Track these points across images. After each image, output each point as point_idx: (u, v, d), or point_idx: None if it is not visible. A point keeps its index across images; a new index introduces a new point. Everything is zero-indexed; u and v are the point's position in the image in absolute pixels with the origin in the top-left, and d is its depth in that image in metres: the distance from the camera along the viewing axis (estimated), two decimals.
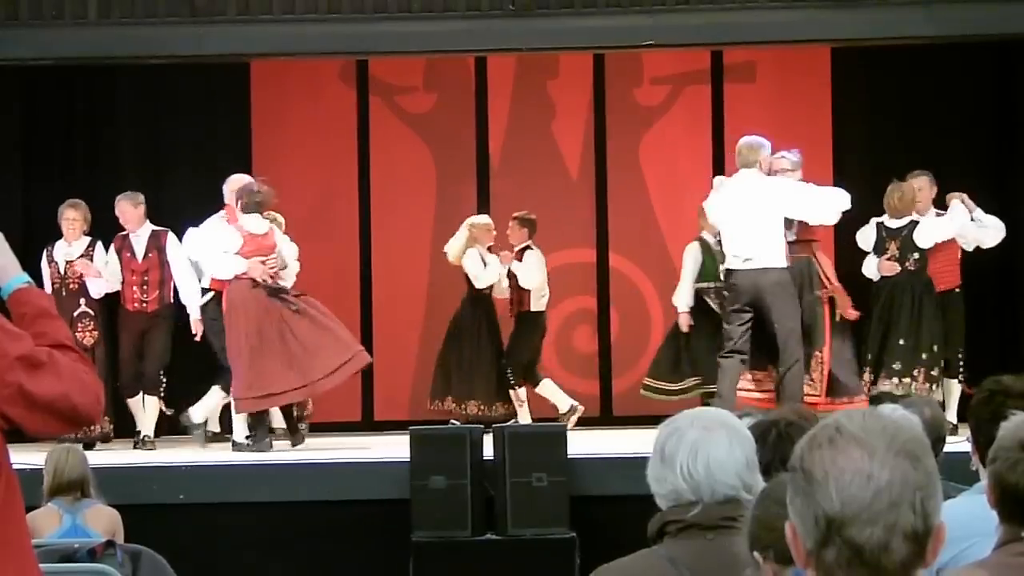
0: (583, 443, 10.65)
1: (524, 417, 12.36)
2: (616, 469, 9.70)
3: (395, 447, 10.51)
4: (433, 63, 13.89)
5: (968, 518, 4.03)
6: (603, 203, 14.00)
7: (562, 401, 12.63)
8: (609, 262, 13.99)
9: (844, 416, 2.21)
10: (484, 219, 12.86)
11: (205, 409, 11.65)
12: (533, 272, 12.65)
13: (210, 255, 11.19)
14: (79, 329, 11.50)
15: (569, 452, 9.78)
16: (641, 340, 13.78)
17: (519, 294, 12.72)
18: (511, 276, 12.70)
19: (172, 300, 11.91)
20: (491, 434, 10.09)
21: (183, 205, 12.72)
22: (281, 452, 10.99)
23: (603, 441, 11.28)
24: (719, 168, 13.51)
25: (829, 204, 10.95)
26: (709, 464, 3.54)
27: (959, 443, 5.27)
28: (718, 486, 3.55)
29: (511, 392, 12.49)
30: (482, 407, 12.35)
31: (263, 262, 11.07)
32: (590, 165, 14.06)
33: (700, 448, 3.55)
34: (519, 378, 12.51)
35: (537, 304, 12.70)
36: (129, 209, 11.90)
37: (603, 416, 13.60)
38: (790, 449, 2.27)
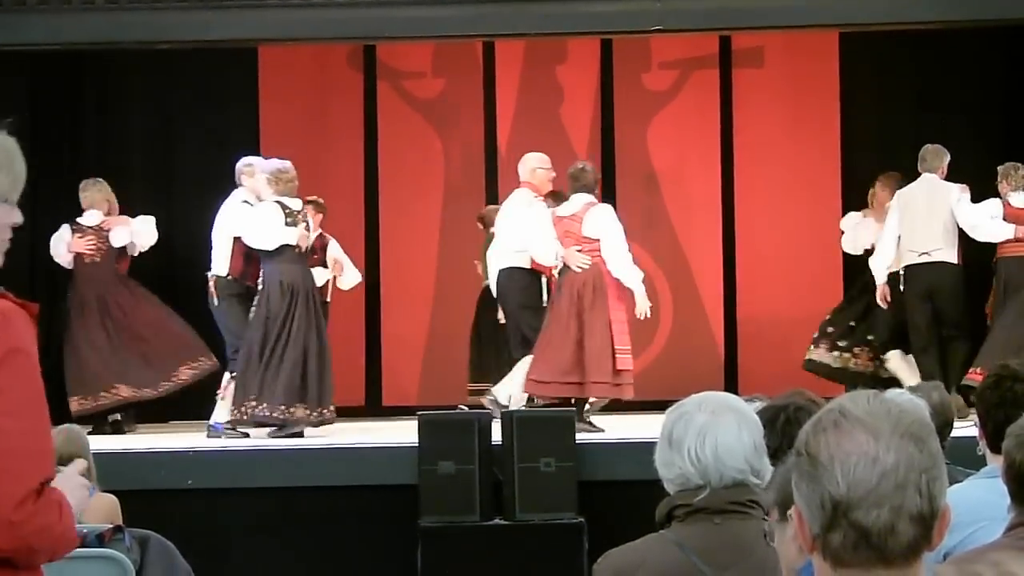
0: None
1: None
2: (624, 454, 9.70)
3: (403, 432, 10.52)
4: (441, 48, 13.88)
5: (975, 503, 4.03)
6: (611, 188, 13.98)
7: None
8: None
9: (848, 399, 2.21)
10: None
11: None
12: None
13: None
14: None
15: (577, 437, 9.78)
16: (649, 326, 13.76)
17: None
18: None
19: None
20: (499, 419, 10.10)
21: (191, 190, 12.74)
22: (289, 437, 11.00)
23: (611, 426, 11.27)
24: (727, 153, 13.51)
25: None
26: (717, 448, 3.54)
27: (967, 427, 5.27)
28: (726, 470, 3.55)
29: None
30: None
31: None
32: (598, 150, 14.04)
33: (708, 432, 3.55)
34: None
35: None
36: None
37: (611, 401, 13.58)
38: (799, 433, 2.26)
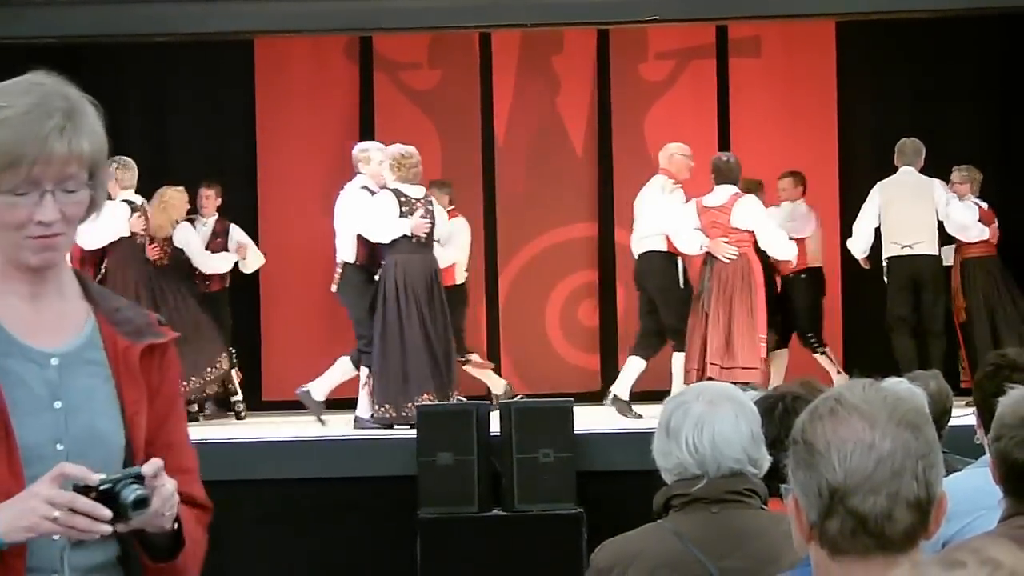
0: (589, 418, 10.66)
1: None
2: (622, 444, 9.70)
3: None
4: (437, 39, 13.87)
5: (973, 491, 4.03)
6: (608, 178, 13.97)
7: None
8: (615, 237, 13.97)
9: (845, 388, 2.21)
10: None
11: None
12: None
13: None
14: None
15: (575, 428, 9.79)
16: None
17: None
18: None
19: None
20: (497, 410, 10.11)
21: (188, 182, 12.72)
22: (287, 429, 11.01)
23: (609, 416, 11.28)
24: (724, 143, 13.50)
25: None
26: (715, 438, 3.55)
27: (965, 416, 5.27)
28: (723, 460, 3.55)
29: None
30: None
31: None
32: (594, 140, 14.04)
33: (706, 422, 3.56)
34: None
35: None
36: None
37: (607, 391, 13.59)
38: (795, 422, 2.27)
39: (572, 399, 10.20)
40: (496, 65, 14.06)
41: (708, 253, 10.96)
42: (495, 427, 9.85)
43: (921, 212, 11.39)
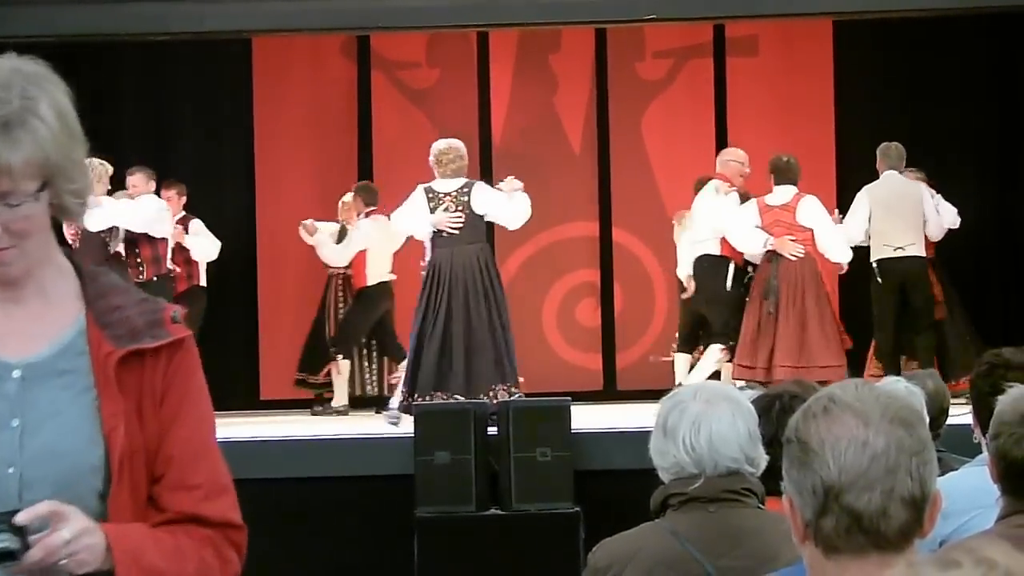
0: (587, 418, 10.65)
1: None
2: (620, 443, 9.69)
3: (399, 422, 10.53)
4: (435, 38, 13.87)
5: (970, 490, 4.04)
6: (606, 177, 13.98)
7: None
8: (612, 236, 13.99)
9: (838, 387, 2.22)
10: None
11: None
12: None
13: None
14: None
15: (573, 427, 9.78)
16: (645, 314, 13.79)
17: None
18: None
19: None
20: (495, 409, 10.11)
21: (186, 181, 12.72)
22: (283, 428, 11.01)
23: (607, 415, 11.28)
24: (721, 142, 13.50)
25: None
26: (711, 437, 3.55)
27: (964, 416, 5.28)
28: (720, 459, 3.55)
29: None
30: None
31: None
32: (592, 139, 14.04)
33: (703, 421, 3.56)
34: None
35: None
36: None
37: (606, 390, 13.60)
38: (789, 421, 2.27)
39: (569, 398, 10.19)
40: (494, 64, 14.06)
41: (772, 252, 11.04)
42: (492, 426, 9.84)
43: (910, 215, 11.50)
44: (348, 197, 12.73)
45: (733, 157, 11.66)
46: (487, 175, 13.88)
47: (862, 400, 2.17)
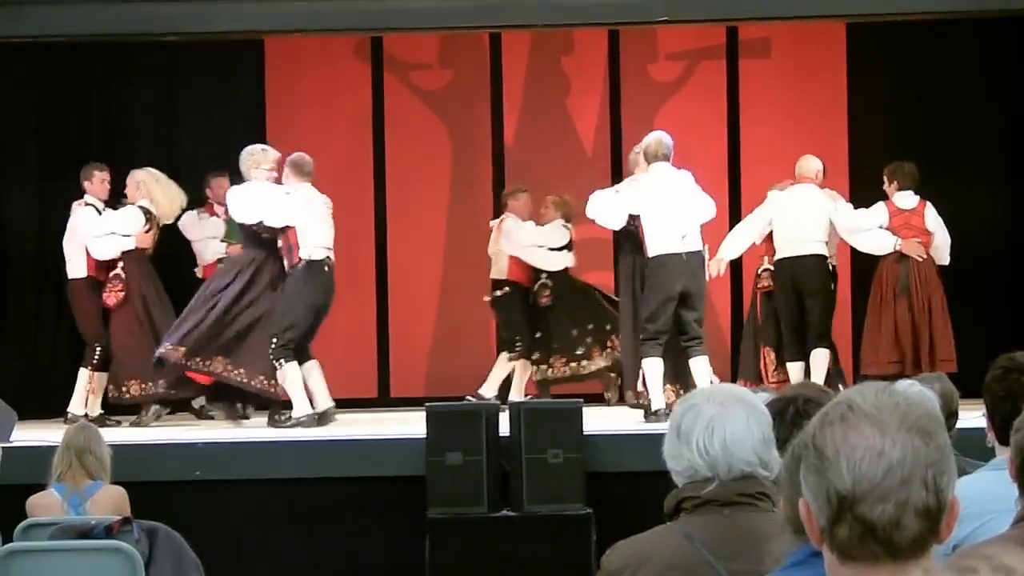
0: (599, 419, 10.66)
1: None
2: (632, 445, 9.70)
3: (411, 424, 10.52)
4: (448, 39, 13.87)
5: (984, 494, 4.03)
6: (618, 179, 13.91)
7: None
8: None
9: (856, 393, 2.20)
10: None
11: None
12: None
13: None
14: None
15: (585, 428, 9.78)
16: None
17: None
18: None
19: None
20: (507, 410, 10.11)
21: (198, 183, 12.74)
22: (296, 429, 11.01)
23: (619, 417, 11.28)
24: (734, 143, 13.49)
25: None
26: (726, 440, 3.54)
27: (976, 419, 5.27)
28: (735, 462, 3.55)
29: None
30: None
31: None
32: (605, 141, 14.04)
33: (717, 424, 3.55)
34: None
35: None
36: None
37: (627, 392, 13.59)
38: (806, 426, 2.26)
39: (582, 400, 10.19)
40: (506, 66, 14.06)
41: (899, 253, 11.51)
42: (504, 427, 9.84)
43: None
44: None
45: (820, 166, 12.03)
46: (499, 177, 13.89)
47: (880, 408, 2.15)
